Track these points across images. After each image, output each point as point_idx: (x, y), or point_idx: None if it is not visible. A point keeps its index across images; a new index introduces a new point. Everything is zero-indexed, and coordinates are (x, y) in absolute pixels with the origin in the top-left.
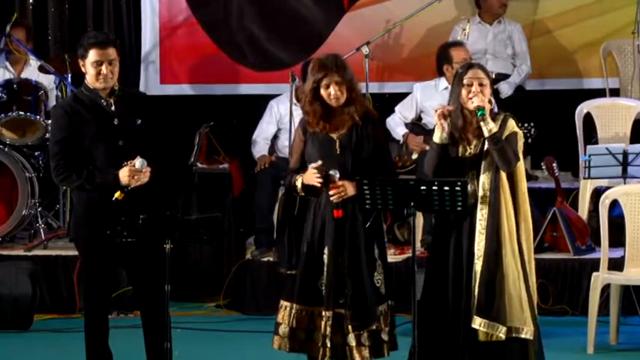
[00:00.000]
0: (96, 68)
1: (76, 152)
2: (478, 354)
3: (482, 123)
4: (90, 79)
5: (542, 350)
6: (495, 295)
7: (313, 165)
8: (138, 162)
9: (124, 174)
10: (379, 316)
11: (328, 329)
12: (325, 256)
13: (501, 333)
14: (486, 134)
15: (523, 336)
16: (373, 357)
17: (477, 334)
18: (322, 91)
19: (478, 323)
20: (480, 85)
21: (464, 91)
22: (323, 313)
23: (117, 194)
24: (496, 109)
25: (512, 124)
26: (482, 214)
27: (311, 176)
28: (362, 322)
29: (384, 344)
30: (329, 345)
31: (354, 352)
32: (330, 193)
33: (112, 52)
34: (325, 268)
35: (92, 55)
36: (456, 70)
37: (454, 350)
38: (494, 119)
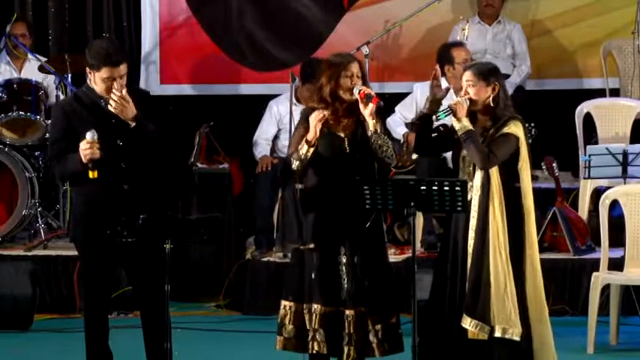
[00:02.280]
0: (106, 83)
1: (70, 152)
2: (468, 353)
3: (453, 122)
4: (98, 89)
5: (531, 351)
6: (480, 294)
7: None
8: (89, 134)
9: (81, 154)
10: (394, 311)
11: (352, 327)
12: (342, 256)
13: (485, 332)
14: (459, 133)
15: (508, 337)
16: (392, 352)
17: (466, 332)
18: (343, 81)
19: (467, 322)
20: (471, 86)
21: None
22: (346, 312)
23: (90, 174)
24: None
25: (508, 127)
26: (474, 212)
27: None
28: (382, 317)
29: (400, 338)
30: (354, 343)
31: (375, 347)
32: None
33: (123, 68)
34: (344, 268)
35: (104, 71)
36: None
37: (446, 348)
38: (499, 119)
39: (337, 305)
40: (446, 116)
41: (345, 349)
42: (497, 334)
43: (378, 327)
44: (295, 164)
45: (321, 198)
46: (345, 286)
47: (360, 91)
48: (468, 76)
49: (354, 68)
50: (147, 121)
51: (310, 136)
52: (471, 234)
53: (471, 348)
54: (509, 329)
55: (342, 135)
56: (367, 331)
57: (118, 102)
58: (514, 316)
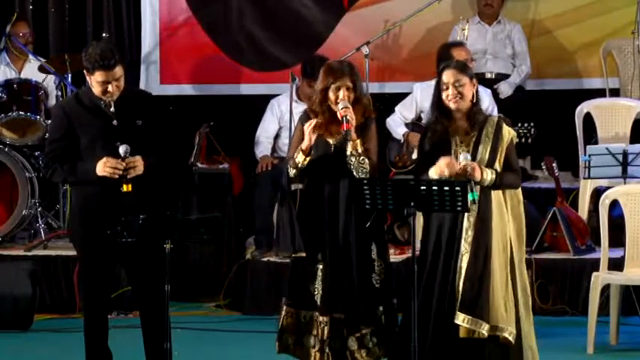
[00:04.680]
0: (102, 86)
1: (68, 152)
2: (457, 351)
3: (478, 187)
4: (95, 91)
5: (522, 353)
6: (481, 292)
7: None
8: (122, 148)
9: (99, 166)
10: (380, 316)
11: (326, 335)
12: (320, 261)
13: (484, 330)
14: (490, 187)
15: (506, 335)
16: (381, 357)
17: (457, 329)
18: (331, 94)
19: (461, 319)
20: (457, 86)
21: (443, 94)
22: (320, 318)
23: (124, 187)
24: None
25: (505, 132)
26: (471, 210)
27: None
28: (358, 324)
29: (390, 342)
30: (327, 350)
31: (356, 355)
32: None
33: (118, 71)
34: (320, 273)
35: (98, 75)
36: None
37: (436, 347)
38: (485, 121)
39: (309, 309)
40: (476, 192)
41: (317, 355)
42: (496, 332)
43: (355, 333)
44: (292, 172)
45: (306, 203)
46: (316, 292)
47: (342, 108)
48: (453, 76)
49: (344, 82)
50: (150, 161)
51: (305, 145)
52: (467, 232)
53: (462, 347)
54: (506, 328)
55: (331, 142)
56: (345, 337)
57: (132, 172)
58: (509, 315)
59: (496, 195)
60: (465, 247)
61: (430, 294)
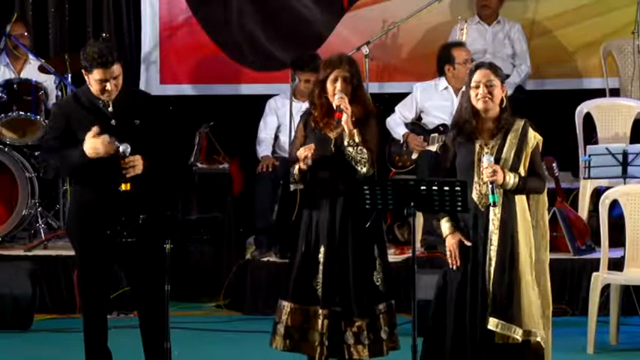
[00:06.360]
0: (100, 85)
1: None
2: (494, 356)
3: (500, 188)
4: (93, 90)
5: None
6: (512, 297)
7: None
8: (122, 147)
9: (86, 145)
10: (379, 314)
11: (325, 327)
12: (321, 255)
13: (517, 335)
14: (513, 191)
15: (538, 339)
16: (372, 356)
17: (493, 335)
18: (329, 85)
19: (494, 324)
20: (488, 86)
21: (472, 93)
22: (319, 311)
23: (122, 186)
24: None
25: (531, 136)
26: (494, 214)
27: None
28: (355, 316)
29: (384, 343)
30: (327, 343)
31: (352, 349)
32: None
33: (116, 69)
34: (321, 267)
35: (96, 73)
36: (470, 69)
37: (470, 351)
38: (511, 125)
39: (312, 304)
40: (497, 194)
41: (318, 349)
42: (528, 337)
43: (352, 325)
44: (292, 186)
45: (307, 199)
46: (320, 285)
47: (338, 98)
48: (486, 75)
49: (340, 73)
50: (150, 161)
51: (302, 166)
52: (492, 236)
53: (497, 352)
54: (536, 332)
55: (331, 136)
56: (343, 331)
57: (131, 171)
58: (540, 320)
59: (520, 200)
60: (492, 251)
61: (463, 301)
